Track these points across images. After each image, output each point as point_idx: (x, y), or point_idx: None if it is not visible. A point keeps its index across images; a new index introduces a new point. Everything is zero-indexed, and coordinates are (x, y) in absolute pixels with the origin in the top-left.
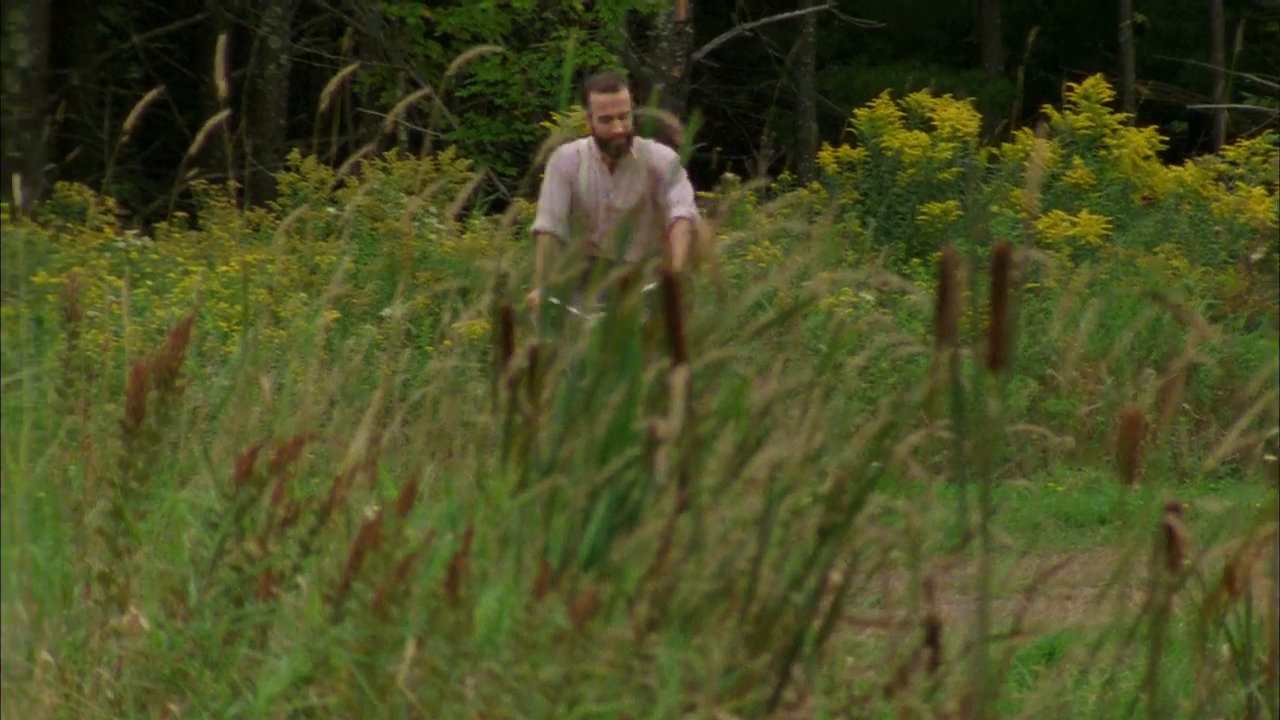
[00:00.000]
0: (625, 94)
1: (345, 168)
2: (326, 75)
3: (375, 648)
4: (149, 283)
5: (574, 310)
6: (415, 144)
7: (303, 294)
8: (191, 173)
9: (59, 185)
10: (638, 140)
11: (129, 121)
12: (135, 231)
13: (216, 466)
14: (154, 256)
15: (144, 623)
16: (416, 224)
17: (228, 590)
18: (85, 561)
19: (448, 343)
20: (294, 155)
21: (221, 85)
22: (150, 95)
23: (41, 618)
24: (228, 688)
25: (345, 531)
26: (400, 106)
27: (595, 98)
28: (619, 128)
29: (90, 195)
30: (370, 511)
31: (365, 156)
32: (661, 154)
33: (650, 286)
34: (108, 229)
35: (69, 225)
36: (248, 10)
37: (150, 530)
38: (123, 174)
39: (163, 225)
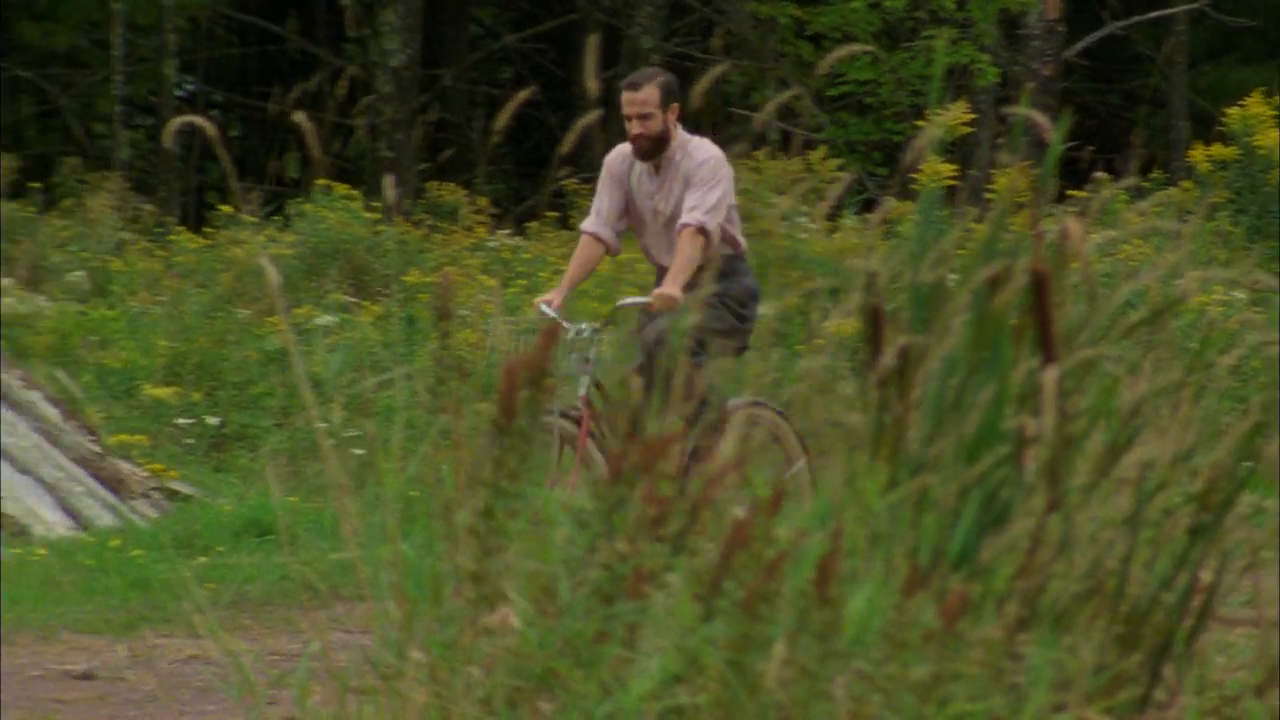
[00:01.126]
0: (649, 93)
1: None
2: (697, 75)
3: (745, 646)
4: (521, 282)
5: (566, 324)
6: (785, 143)
7: None
8: (563, 172)
9: (431, 185)
10: (685, 139)
11: (500, 121)
12: (507, 231)
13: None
14: (525, 256)
15: (514, 621)
16: (786, 223)
17: (598, 589)
18: (456, 560)
19: (818, 342)
20: None
21: (593, 85)
22: (522, 95)
23: (413, 616)
24: (598, 686)
25: (715, 530)
26: (771, 106)
27: (622, 95)
28: (637, 128)
29: (462, 195)
30: (740, 510)
31: (735, 156)
32: (696, 155)
33: (632, 300)
34: (480, 228)
35: (441, 225)
36: (619, 10)
37: (521, 529)
38: (495, 174)
39: (534, 225)
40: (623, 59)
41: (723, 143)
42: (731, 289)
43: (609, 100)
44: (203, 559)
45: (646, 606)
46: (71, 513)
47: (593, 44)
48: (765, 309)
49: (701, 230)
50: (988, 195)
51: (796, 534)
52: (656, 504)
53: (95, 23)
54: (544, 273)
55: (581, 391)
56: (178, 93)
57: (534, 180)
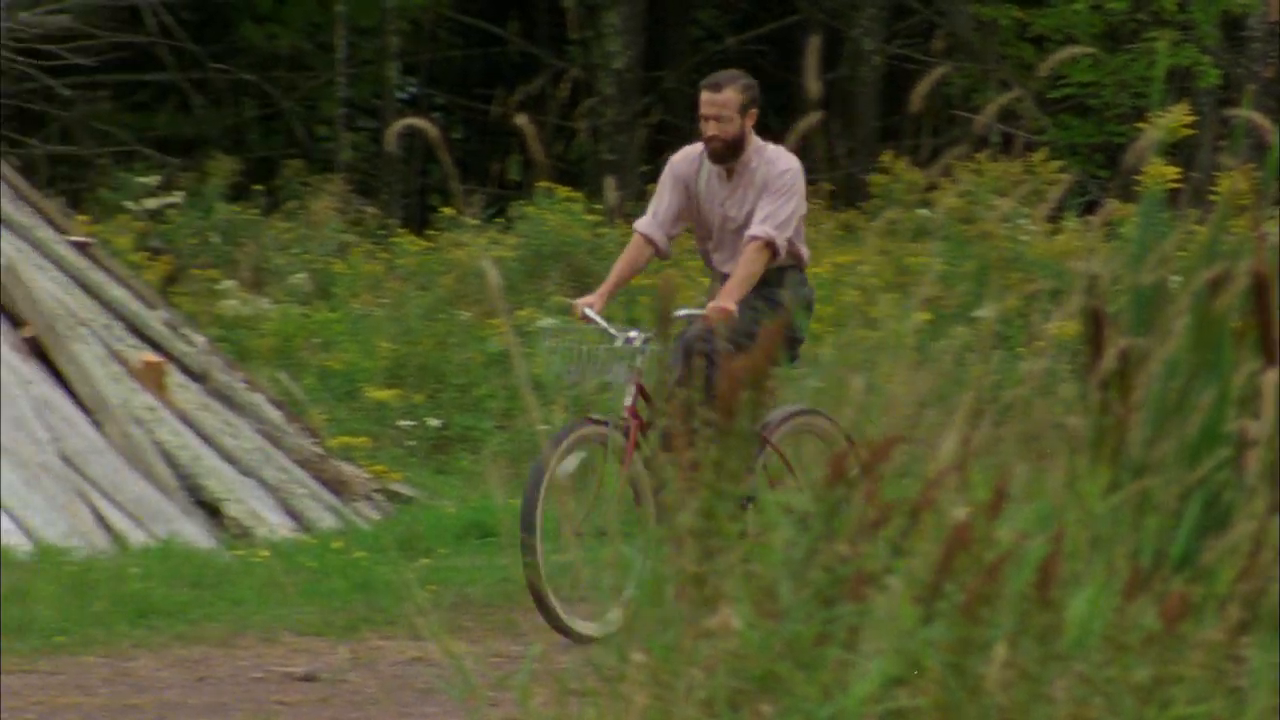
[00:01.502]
0: (729, 96)
1: (937, 169)
2: (919, 77)
3: (966, 649)
4: None
5: (614, 332)
6: (1007, 145)
7: (894, 295)
8: None
9: (651, 187)
10: (761, 146)
11: None
12: None
13: (808, 467)
14: None
15: (736, 623)
16: (1008, 225)
17: (819, 591)
18: (678, 562)
19: (1039, 344)
20: (885, 157)
21: (814, 87)
22: None
23: (634, 618)
24: (819, 689)
25: (936, 533)
26: (992, 108)
27: (700, 95)
28: (713, 130)
29: None
30: (961, 513)
31: (957, 158)
32: (777, 163)
33: (687, 311)
34: None
35: None
36: (841, 12)
37: (741, 531)
38: None
39: None
40: (844, 61)
41: (946, 144)
42: (780, 297)
43: (830, 103)
44: (425, 561)
45: (867, 609)
46: (294, 514)
47: (814, 46)
48: (986, 310)
49: (770, 244)
50: (1209, 198)
51: (1017, 536)
52: (877, 506)
53: (318, 25)
54: None
55: (628, 402)
56: (400, 95)
57: None
